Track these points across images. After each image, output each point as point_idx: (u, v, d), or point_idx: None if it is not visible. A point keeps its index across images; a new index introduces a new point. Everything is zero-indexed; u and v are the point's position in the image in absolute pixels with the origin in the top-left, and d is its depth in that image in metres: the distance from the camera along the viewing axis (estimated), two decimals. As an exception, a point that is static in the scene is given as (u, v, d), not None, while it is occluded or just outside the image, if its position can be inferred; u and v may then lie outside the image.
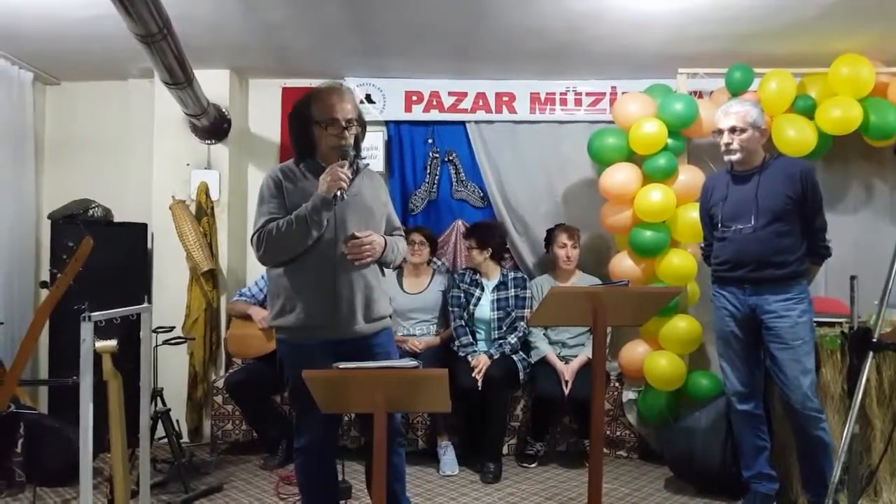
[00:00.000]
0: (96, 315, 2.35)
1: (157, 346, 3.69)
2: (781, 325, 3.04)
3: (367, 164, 2.84)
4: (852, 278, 2.71)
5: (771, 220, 3.05)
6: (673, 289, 2.71)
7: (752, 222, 3.08)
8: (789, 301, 3.05)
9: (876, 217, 4.30)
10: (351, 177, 2.49)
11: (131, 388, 2.75)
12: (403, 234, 2.90)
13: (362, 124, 2.65)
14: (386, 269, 2.75)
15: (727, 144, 3.13)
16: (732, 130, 3.11)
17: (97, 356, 2.47)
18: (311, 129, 2.57)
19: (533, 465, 3.99)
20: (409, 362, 2.10)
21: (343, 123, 2.53)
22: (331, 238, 2.52)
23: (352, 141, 2.56)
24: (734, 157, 3.14)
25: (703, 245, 3.48)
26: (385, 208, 2.76)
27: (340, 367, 2.09)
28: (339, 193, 2.43)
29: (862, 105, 3.72)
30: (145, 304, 2.85)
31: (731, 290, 3.18)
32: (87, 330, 2.32)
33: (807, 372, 3.03)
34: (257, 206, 2.61)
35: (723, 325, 3.22)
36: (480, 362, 3.90)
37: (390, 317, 2.75)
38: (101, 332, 2.53)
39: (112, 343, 2.52)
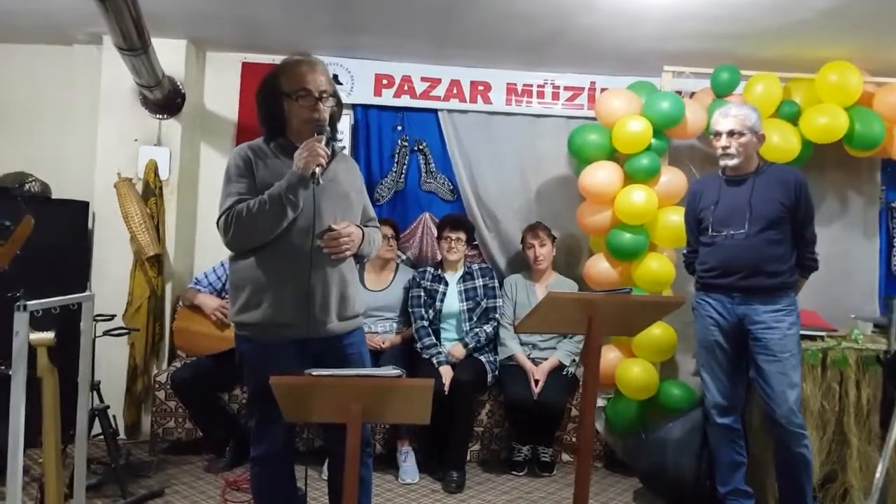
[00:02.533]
0: (33, 304, 2.05)
1: (96, 336, 3.38)
2: (770, 336, 2.93)
3: (343, 148, 2.58)
4: (889, 298, 2.62)
5: (764, 227, 2.94)
6: (675, 299, 2.56)
7: (745, 228, 2.96)
8: (779, 312, 2.94)
9: (848, 230, 4.26)
10: (329, 155, 2.26)
11: (69, 382, 2.47)
12: (378, 225, 2.67)
13: (338, 101, 2.40)
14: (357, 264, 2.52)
15: (724, 148, 3.00)
16: (731, 134, 2.98)
17: (32, 349, 2.18)
18: (281, 102, 2.31)
19: (522, 473, 3.79)
20: (391, 371, 1.87)
21: (316, 94, 2.29)
22: (305, 227, 2.27)
23: (326, 116, 2.32)
24: (731, 162, 3.01)
25: (686, 251, 3.35)
26: (361, 196, 2.53)
27: (314, 373, 1.85)
28: (317, 171, 2.19)
29: (848, 113, 3.66)
30: (88, 293, 2.54)
31: (717, 298, 3.06)
32: (21, 321, 2.02)
33: (793, 386, 2.93)
34: (224, 186, 2.33)
35: (707, 335, 3.10)
36: (456, 351, 3.76)
37: (363, 314, 2.53)
38: (37, 321, 2.23)
39: (49, 335, 2.23)
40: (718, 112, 3.08)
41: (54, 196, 4.00)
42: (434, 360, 3.77)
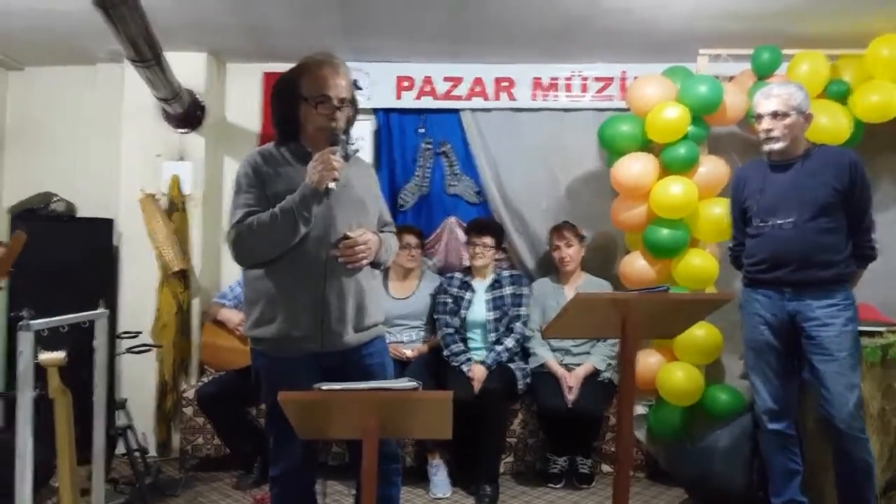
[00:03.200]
0: (37, 324, 1.97)
1: (119, 353, 3.33)
2: (826, 334, 2.70)
3: (357, 151, 2.47)
4: None
5: (815, 215, 2.72)
6: (719, 295, 2.36)
7: (794, 216, 2.74)
8: (834, 307, 2.72)
9: (906, 216, 3.97)
10: (343, 164, 2.14)
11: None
12: (395, 229, 2.54)
13: (355, 106, 2.30)
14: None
15: (767, 131, 2.78)
16: (774, 115, 2.76)
17: (42, 369, 2.11)
18: (298, 106, 2.21)
19: (559, 486, 3.60)
20: (406, 383, 1.74)
21: (336, 102, 2.18)
22: (318, 236, 2.16)
23: (343, 124, 2.22)
24: (776, 146, 2.79)
25: (731, 245, 3.13)
26: (376, 200, 2.41)
27: (324, 387, 1.72)
28: (331, 185, 2.08)
29: (902, 90, 3.40)
30: (100, 310, 2.46)
31: (766, 294, 2.84)
32: (25, 341, 1.95)
33: (853, 387, 2.70)
34: (233, 197, 2.23)
35: (756, 335, 2.88)
36: (477, 373, 3.56)
37: (383, 322, 2.40)
38: (58, 339, 2.20)
39: (59, 355, 2.16)
40: (760, 93, 2.86)
41: (80, 215, 3.99)
42: (464, 368, 3.62)
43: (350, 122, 2.29)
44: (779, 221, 2.78)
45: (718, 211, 3.45)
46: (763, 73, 3.58)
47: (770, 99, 2.78)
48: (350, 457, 2.39)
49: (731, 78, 3.78)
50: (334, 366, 2.18)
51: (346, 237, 2.17)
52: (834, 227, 2.74)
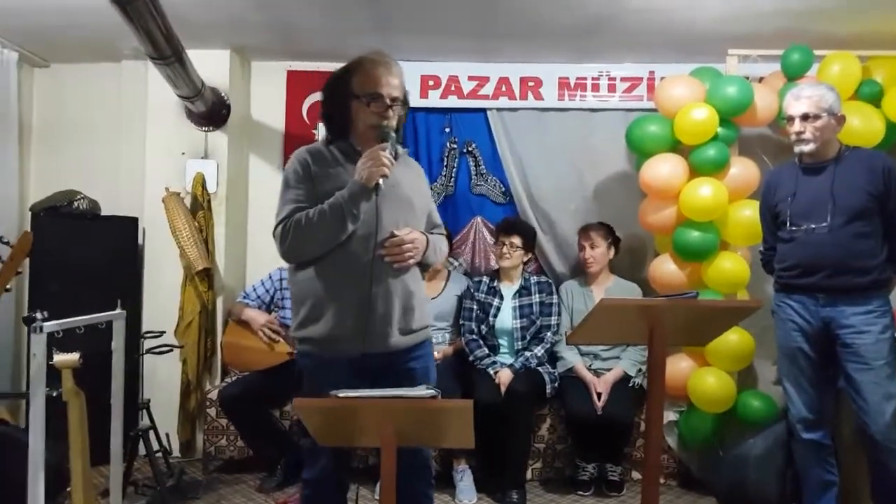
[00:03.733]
0: (49, 325, 1.96)
1: (142, 353, 3.33)
2: (861, 341, 2.61)
3: (407, 150, 2.43)
4: None
5: (849, 220, 2.63)
6: (751, 302, 2.29)
7: (828, 221, 2.66)
8: (870, 314, 2.62)
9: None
10: (393, 162, 2.11)
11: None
12: (445, 232, 2.48)
13: (406, 106, 2.27)
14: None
15: (798, 133, 2.71)
16: (805, 118, 2.69)
17: (57, 371, 2.10)
18: (349, 103, 2.19)
19: (588, 493, 3.53)
20: (424, 391, 1.69)
21: (388, 101, 2.15)
22: (365, 235, 2.12)
23: (394, 123, 2.19)
24: (806, 148, 2.72)
25: (762, 248, 3.05)
26: (426, 202, 2.36)
27: (340, 395, 1.68)
28: (380, 182, 2.06)
29: (940, 92, 3.29)
30: (117, 311, 2.45)
31: (799, 300, 2.75)
32: (38, 343, 1.93)
33: (891, 397, 2.61)
34: (281, 193, 2.22)
35: (789, 341, 2.79)
36: (503, 377, 3.50)
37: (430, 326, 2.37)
38: (76, 340, 2.18)
39: (73, 357, 2.15)
40: (790, 94, 2.78)
41: (105, 212, 3.99)
42: (490, 371, 3.56)
43: (401, 121, 2.26)
44: (812, 226, 2.70)
45: (749, 213, 3.36)
46: (793, 74, 3.48)
47: (800, 101, 2.71)
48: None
49: (762, 79, 3.69)
50: (378, 368, 2.14)
51: (392, 235, 2.14)
52: (869, 231, 2.65)
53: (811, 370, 2.77)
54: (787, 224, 2.78)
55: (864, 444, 2.72)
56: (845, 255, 2.64)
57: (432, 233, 2.36)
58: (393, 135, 2.16)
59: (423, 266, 2.29)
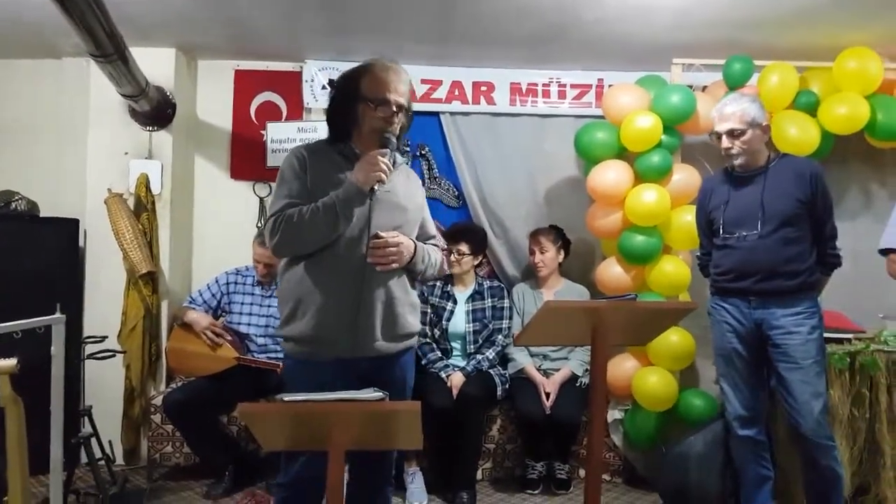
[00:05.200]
0: (-16, 330, 1.90)
1: (83, 359, 3.24)
2: (790, 342, 2.72)
3: (407, 161, 2.42)
4: None
5: (779, 226, 2.73)
6: (688, 304, 2.36)
7: (758, 228, 2.75)
8: (799, 316, 2.73)
9: (875, 224, 3.97)
10: (392, 168, 2.13)
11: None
12: (442, 244, 2.50)
13: (410, 116, 2.28)
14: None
15: (727, 149, 2.80)
16: (731, 133, 2.77)
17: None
18: (356, 105, 2.19)
19: (537, 492, 3.58)
20: (372, 394, 1.69)
21: (394, 107, 2.16)
22: (354, 238, 2.13)
23: (397, 130, 2.20)
24: (736, 162, 2.82)
25: (699, 253, 3.14)
26: (420, 211, 2.37)
27: (285, 399, 1.67)
28: (376, 187, 2.07)
29: (869, 102, 3.44)
30: (56, 315, 2.38)
31: (733, 303, 2.85)
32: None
33: (819, 395, 2.72)
34: (276, 187, 2.23)
35: (724, 342, 2.89)
36: (455, 380, 3.53)
37: (418, 334, 2.37)
38: (16, 345, 2.17)
39: (10, 363, 2.09)
40: (715, 111, 2.87)
41: (45, 214, 3.87)
42: (442, 374, 3.59)
43: (403, 130, 2.27)
44: (744, 233, 2.79)
45: (690, 219, 3.45)
46: (734, 84, 3.60)
47: (724, 119, 2.79)
48: (350, 471, 2.33)
49: (705, 88, 3.82)
50: (365, 372, 2.12)
51: (377, 236, 2.14)
52: (797, 236, 2.75)
53: (745, 370, 2.86)
54: (721, 231, 2.87)
55: (795, 441, 2.83)
56: (775, 260, 2.73)
57: (426, 243, 2.36)
58: (394, 141, 2.18)
59: (414, 274, 2.29)
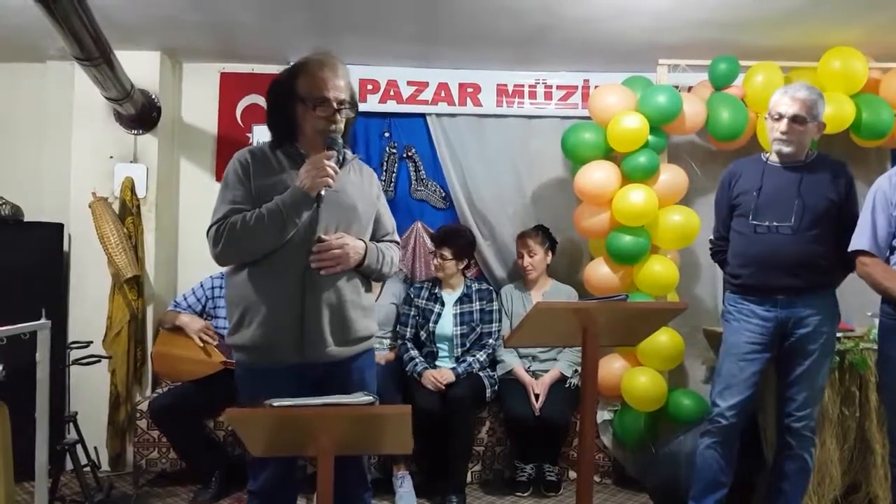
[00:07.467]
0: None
1: (68, 364, 3.21)
2: (814, 341, 2.70)
3: (356, 156, 2.36)
4: None
5: (813, 223, 2.67)
6: (678, 304, 2.36)
7: (793, 221, 2.67)
8: (824, 314, 2.72)
9: (861, 223, 4.03)
10: (338, 171, 2.06)
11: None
12: (398, 240, 2.42)
13: (355, 107, 2.20)
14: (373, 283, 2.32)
15: (783, 133, 2.68)
16: (794, 119, 2.67)
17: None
18: (295, 107, 2.11)
19: (526, 494, 3.57)
20: (362, 398, 1.68)
21: (335, 105, 2.08)
22: (300, 241, 2.06)
23: (342, 127, 2.13)
24: (786, 149, 2.71)
25: (713, 237, 3.01)
26: (372, 209, 2.28)
27: (275, 404, 1.66)
28: (322, 192, 2.01)
29: (854, 101, 3.47)
30: (41, 321, 2.35)
31: (755, 300, 2.74)
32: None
33: (822, 390, 2.77)
34: (220, 192, 2.14)
35: (740, 344, 2.76)
36: (444, 374, 3.53)
37: (376, 336, 2.31)
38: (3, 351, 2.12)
39: (-7, 369, 2.05)
40: (784, 91, 2.73)
41: (29, 218, 3.82)
42: (415, 374, 3.58)
43: (349, 124, 2.20)
44: (776, 224, 2.69)
45: (678, 218, 3.48)
46: (720, 84, 3.62)
47: (795, 102, 2.67)
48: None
49: (690, 88, 3.83)
50: (318, 379, 2.08)
51: (320, 239, 2.08)
52: (826, 236, 2.69)
53: (753, 375, 2.75)
54: (750, 217, 2.74)
55: (781, 433, 2.81)
56: (806, 256, 2.66)
57: (382, 240, 2.31)
58: (340, 141, 2.11)
59: (368, 274, 2.23)
